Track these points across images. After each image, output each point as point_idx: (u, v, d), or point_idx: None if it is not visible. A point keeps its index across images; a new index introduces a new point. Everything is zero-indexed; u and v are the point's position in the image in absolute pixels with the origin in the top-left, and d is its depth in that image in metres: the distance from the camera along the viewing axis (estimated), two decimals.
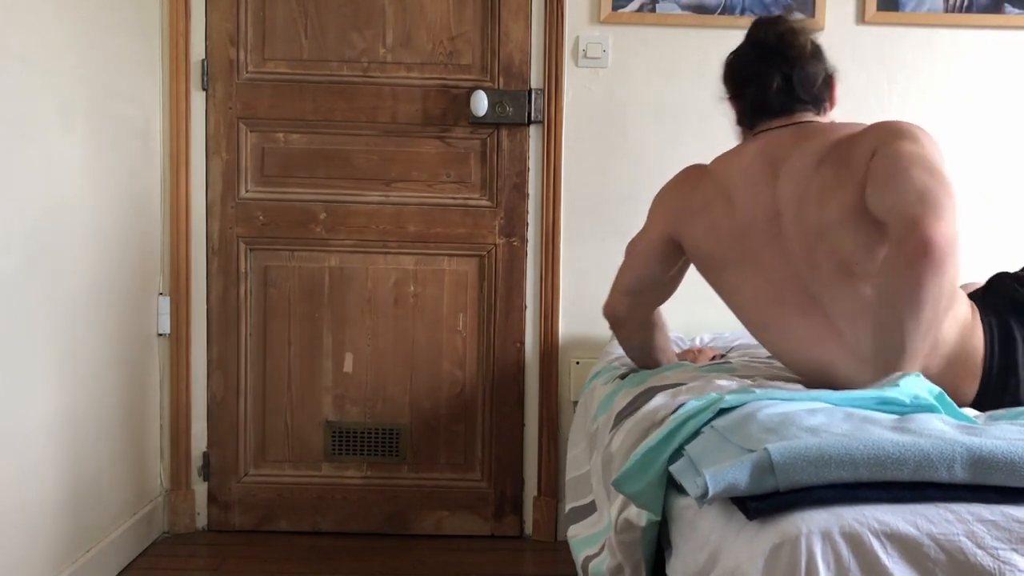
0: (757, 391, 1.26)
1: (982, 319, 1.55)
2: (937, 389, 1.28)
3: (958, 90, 2.59)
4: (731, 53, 1.78)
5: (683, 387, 1.51)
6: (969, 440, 0.98)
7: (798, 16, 2.52)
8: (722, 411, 1.20)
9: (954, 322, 1.50)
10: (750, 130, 1.73)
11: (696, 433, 1.19)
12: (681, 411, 1.24)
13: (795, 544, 0.91)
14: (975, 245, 2.57)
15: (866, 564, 0.90)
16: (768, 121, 1.69)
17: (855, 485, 0.96)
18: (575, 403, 2.57)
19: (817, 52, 1.72)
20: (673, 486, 1.19)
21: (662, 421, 1.37)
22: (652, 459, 1.20)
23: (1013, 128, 2.60)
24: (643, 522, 1.21)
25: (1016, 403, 1.48)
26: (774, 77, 1.66)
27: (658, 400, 1.46)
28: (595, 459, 1.69)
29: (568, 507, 1.83)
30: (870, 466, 0.96)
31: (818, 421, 1.08)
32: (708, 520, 1.08)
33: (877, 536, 0.91)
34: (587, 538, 1.58)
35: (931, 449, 0.96)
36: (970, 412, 1.30)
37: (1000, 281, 1.67)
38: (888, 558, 0.89)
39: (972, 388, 1.52)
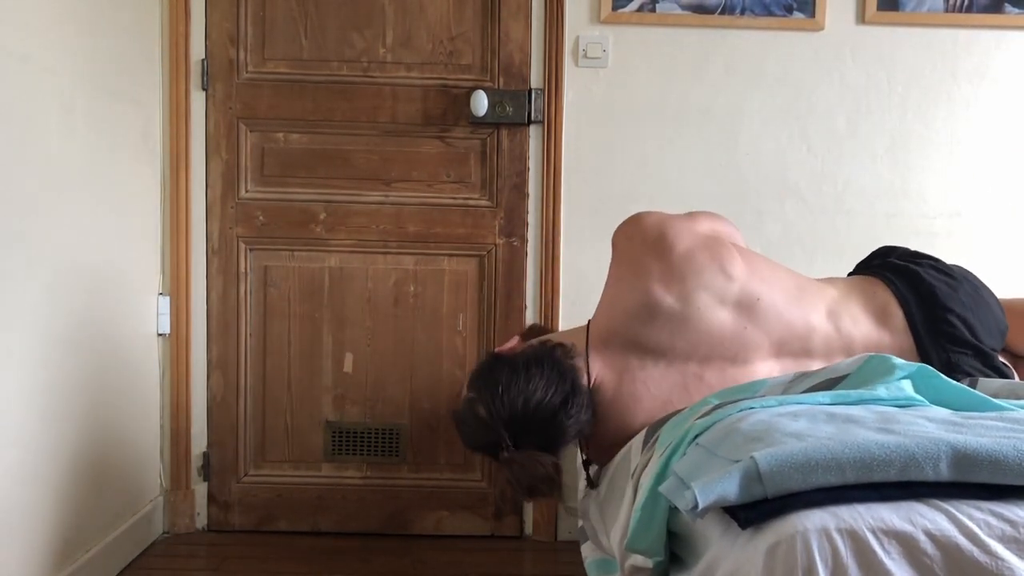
0: (728, 407, 1.26)
1: (878, 277, 1.74)
2: (915, 365, 1.29)
3: (958, 90, 2.58)
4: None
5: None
6: (953, 438, 0.98)
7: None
8: (696, 436, 1.21)
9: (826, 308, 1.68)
10: None
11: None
12: (659, 451, 1.26)
13: (792, 543, 0.91)
14: (975, 243, 2.58)
15: (864, 560, 0.90)
16: None
17: (844, 487, 0.96)
18: None
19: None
20: (672, 505, 1.19)
21: (641, 448, 1.40)
22: (651, 510, 1.21)
23: (1013, 128, 2.59)
24: (650, 564, 1.22)
25: (953, 335, 1.63)
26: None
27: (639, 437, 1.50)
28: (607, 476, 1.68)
29: (580, 523, 1.84)
30: (856, 469, 0.96)
31: (801, 425, 1.08)
32: (708, 529, 1.09)
33: (874, 533, 0.91)
34: (599, 562, 1.59)
35: (916, 449, 0.96)
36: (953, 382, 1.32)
37: (883, 252, 1.92)
38: (886, 554, 0.89)
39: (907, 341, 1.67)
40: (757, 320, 1.62)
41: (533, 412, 1.55)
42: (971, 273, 1.80)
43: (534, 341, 1.73)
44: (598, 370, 1.65)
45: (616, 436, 1.62)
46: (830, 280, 1.79)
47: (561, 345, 1.65)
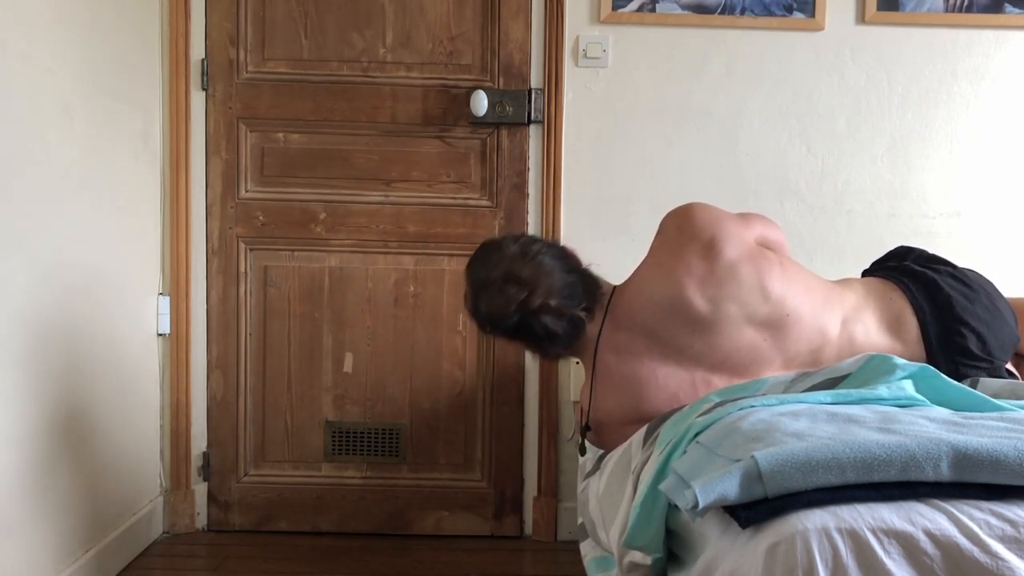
0: (729, 405, 1.26)
1: (896, 283, 1.72)
2: (917, 365, 1.29)
3: (958, 90, 2.58)
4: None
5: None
6: (954, 439, 0.98)
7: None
8: (697, 434, 1.21)
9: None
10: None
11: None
12: (659, 449, 1.26)
13: (791, 543, 0.91)
14: (975, 243, 2.57)
15: (864, 560, 0.90)
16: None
17: (844, 487, 0.96)
18: (575, 403, 2.57)
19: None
20: (671, 504, 1.19)
21: (641, 445, 1.41)
22: (650, 507, 1.21)
23: (1013, 128, 2.59)
24: (649, 560, 1.22)
25: (963, 343, 1.61)
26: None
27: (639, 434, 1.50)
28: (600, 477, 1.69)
29: (579, 520, 1.84)
30: (857, 468, 0.96)
31: (802, 425, 1.08)
32: (707, 528, 1.09)
33: (874, 532, 0.91)
34: (599, 560, 1.59)
35: (917, 449, 0.96)
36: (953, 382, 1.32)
37: (900, 252, 1.91)
38: (886, 554, 0.89)
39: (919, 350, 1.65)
40: (779, 336, 1.62)
41: (534, 262, 1.66)
42: (987, 281, 1.78)
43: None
44: (604, 337, 1.67)
45: (617, 411, 1.64)
46: (849, 283, 1.77)
47: (597, 282, 1.74)
